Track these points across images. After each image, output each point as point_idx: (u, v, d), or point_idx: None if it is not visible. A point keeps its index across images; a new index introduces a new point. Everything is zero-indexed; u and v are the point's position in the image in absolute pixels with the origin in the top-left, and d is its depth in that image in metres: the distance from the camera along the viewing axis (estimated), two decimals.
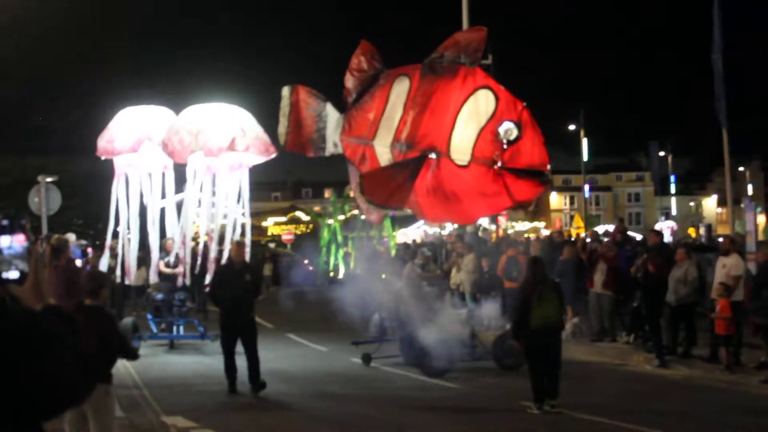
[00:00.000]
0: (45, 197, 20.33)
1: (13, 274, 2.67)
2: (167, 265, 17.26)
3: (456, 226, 25.62)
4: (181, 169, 16.63)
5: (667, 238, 38.84)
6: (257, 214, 59.61)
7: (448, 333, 14.37)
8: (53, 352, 2.48)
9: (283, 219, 58.40)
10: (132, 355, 7.92)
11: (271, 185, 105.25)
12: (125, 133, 16.31)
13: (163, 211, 17.22)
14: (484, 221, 25.79)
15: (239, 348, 12.78)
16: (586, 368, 15.11)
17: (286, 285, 32.37)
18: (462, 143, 10.26)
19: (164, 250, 17.34)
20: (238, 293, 12.48)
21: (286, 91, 11.45)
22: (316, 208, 61.64)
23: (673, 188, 73.88)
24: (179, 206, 17.04)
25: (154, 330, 17.14)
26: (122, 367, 14.87)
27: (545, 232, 55.55)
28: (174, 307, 17.22)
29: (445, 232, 46.25)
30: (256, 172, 17.26)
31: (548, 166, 10.36)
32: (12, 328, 2.45)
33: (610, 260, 17.37)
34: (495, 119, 10.04)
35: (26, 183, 30.34)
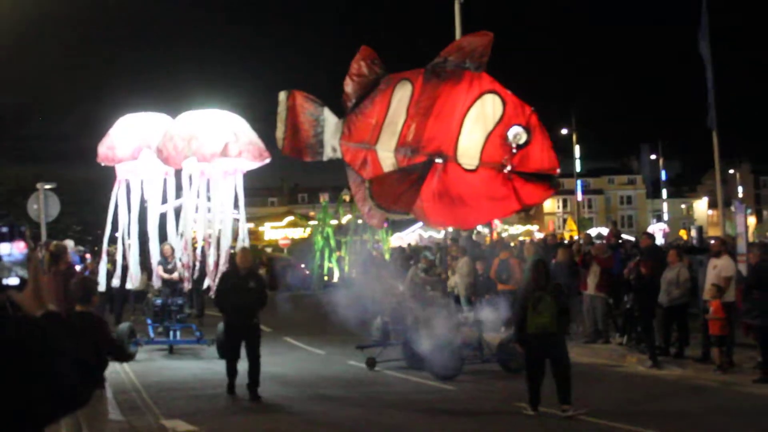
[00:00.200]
0: (44, 204, 20.29)
1: (13, 281, 2.67)
2: (166, 270, 17.24)
3: (451, 229, 25.59)
4: (181, 175, 16.65)
5: (659, 240, 38.93)
6: (254, 219, 59.59)
7: (457, 336, 14.39)
8: (53, 359, 2.47)
9: (280, 224, 58.27)
10: (124, 358, 7.93)
11: (268, 190, 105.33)
12: (125, 140, 16.30)
13: (163, 216, 17.23)
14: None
15: (241, 352, 12.72)
16: (579, 370, 15.09)
17: (281, 289, 32.33)
18: (469, 147, 10.23)
19: (162, 256, 17.33)
20: (243, 299, 12.34)
21: (282, 95, 11.40)
22: (311, 213, 61.59)
23: (664, 193, 74.01)
24: (177, 212, 17.04)
25: (151, 335, 17.10)
26: (122, 371, 14.89)
27: (539, 236, 55.56)
28: (172, 312, 17.18)
29: (440, 236, 46.25)
30: (252, 177, 17.26)
31: (558, 170, 10.35)
32: (13, 335, 2.44)
33: (604, 263, 17.40)
34: (503, 123, 10.02)
35: (24, 191, 30.32)
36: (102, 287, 18.61)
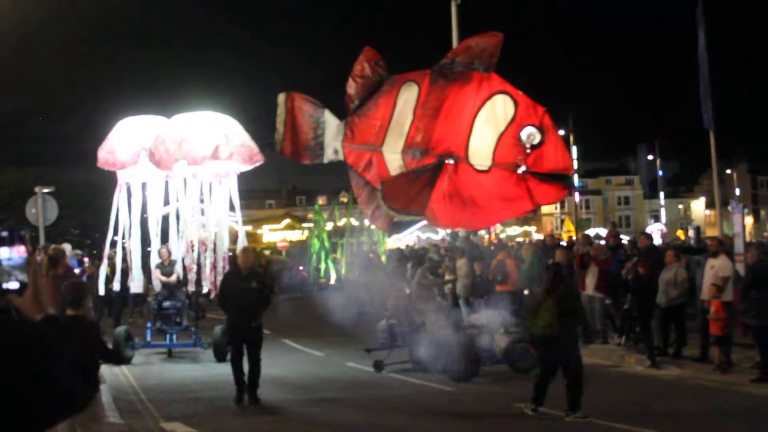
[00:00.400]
0: (42, 208, 20.28)
1: (13, 285, 2.67)
2: (163, 273, 17.24)
3: (449, 230, 25.57)
4: (180, 178, 16.68)
5: (657, 240, 38.91)
6: (252, 222, 59.58)
7: (471, 337, 14.39)
8: (52, 362, 2.48)
9: (278, 226, 58.25)
10: (116, 361, 7.94)
11: (266, 193, 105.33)
12: (126, 145, 16.30)
13: (165, 219, 17.26)
14: None
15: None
16: None
17: (277, 291, 32.31)
18: (481, 148, 10.18)
19: (160, 259, 17.33)
20: (245, 300, 12.24)
21: (281, 97, 11.36)
22: (310, 216, 61.60)
23: (662, 194, 74.04)
24: (177, 216, 17.07)
25: (149, 338, 17.09)
26: (121, 374, 14.89)
27: (537, 236, 55.58)
28: (170, 315, 17.15)
29: (437, 237, 46.25)
30: (250, 179, 17.30)
31: (572, 170, 10.32)
32: (14, 338, 2.45)
33: (602, 263, 17.41)
34: (515, 124, 9.98)
35: (22, 194, 30.31)
36: (101, 290, 18.67)
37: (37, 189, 20.72)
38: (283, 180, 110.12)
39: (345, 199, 51.51)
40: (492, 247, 25.92)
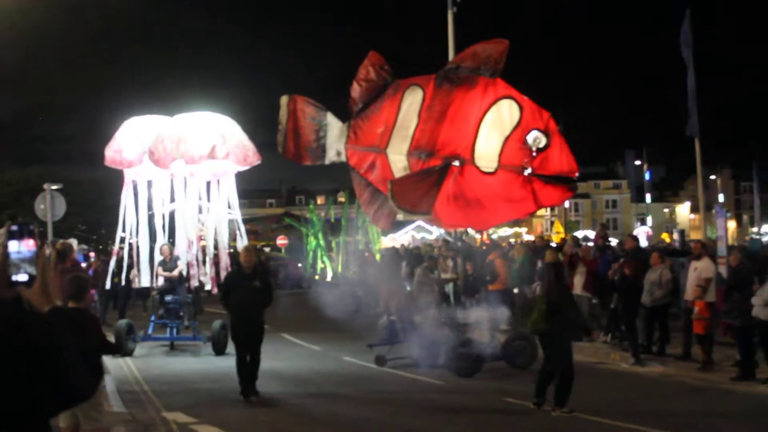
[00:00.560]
0: (50, 204, 20.25)
1: (22, 277, 2.68)
2: (165, 269, 17.22)
3: (443, 230, 25.58)
4: (182, 177, 16.67)
5: (643, 243, 38.94)
6: (253, 220, 59.55)
7: (474, 334, 14.40)
8: (59, 352, 2.49)
9: (278, 225, 58.20)
10: (115, 352, 7.97)
11: (266, 193, 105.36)
12: (132, 144, 16.29)
13: (171, 216, 17.26)
14: None
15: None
16: None
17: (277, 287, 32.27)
18: (487, 151, 10.16)
19: (161, 256, 17.30)
20: (248, 298, 12.15)
21: (284, 100, 11.34)
22: (308, 215, 61.58)
23: (648, 197, 74.05)
24: (173, 214, 17.09)
25: (150, 332, 17.07)
26: (125, 365, 14.91)
27: (528, 238, 55.60)
28: (171, 309, 17.13)
29: (432, 237, 46.24)
30: (251, 179, 17.33)
31: (577, 173, 10.30)
32: (25, 328, 2.45)
33: (590, 264, 17.43)
34: (521, 128, 9.96)
35: (31, 191, 30.27)
36: (108, 285, 18.68)
37: (45, 186, 20.69)
38: (283, 180, 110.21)
39: (342, 199, 51.53)
40: (484, 247, 25.86)
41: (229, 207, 17.18)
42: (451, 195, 10.43)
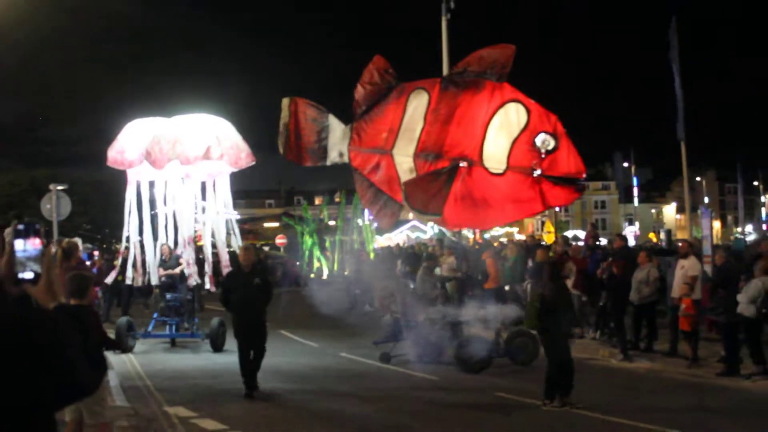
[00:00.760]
0: (56, 204, 20.22)
1: (28, 275, 2.67)
2: (165, 269, 17.17)
3: (437, 230, 25.58)
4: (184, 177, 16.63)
5: (631, 242, 39.02)
6: (253, 220, 59.53)
7: (480, 330, 14.39)
8: (64, 348, 2.47)
9: (276, 224, 58.24)
10: (115, 348, 7.95)
11: (266, 193, 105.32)
12: (133, 145, 16.27)
13: (174, 216, 17.24)
14: None
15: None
16: None
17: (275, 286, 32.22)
18: (496, 152, 10.13)
19: (161, 255, 17.26)
20: (249, 296, 12.06)
21: (285, 102, 11.31)
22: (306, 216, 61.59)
23: (636, 198, 74.23)
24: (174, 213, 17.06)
25: (150, 329, 17.04)
26: (128, 361, 14.89)
27: (519, 237, 55.61)
28: (172, 306, 17.10)
29: (425, 236, 46.26)
30: (251, 180, 17.39)
31: (584, 174, 10.30)
32: (33, 327, 2.44)
33: (579, 263, 17.44)
34: (529, 131, 9.94)
35: (37, 191, 30.24)
36: (109, 281, 18.63)
37: (51, 186, 20.65)
38: (282, 181, 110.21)
39: (339, 199, 51.52)
40: (477, 246, 25.86)
41: (224, 207, 17.15)
42: (459, 195, 10.40)
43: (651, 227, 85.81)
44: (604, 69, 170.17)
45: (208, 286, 16.92)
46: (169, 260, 17.12)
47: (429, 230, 46.86)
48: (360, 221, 39.64)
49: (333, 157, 11.24)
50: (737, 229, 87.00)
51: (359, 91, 10.95)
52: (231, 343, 14.11)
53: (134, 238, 16.99)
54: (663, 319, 16.28)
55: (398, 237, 50.37)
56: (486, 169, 10.23)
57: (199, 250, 17.88)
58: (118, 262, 18.28)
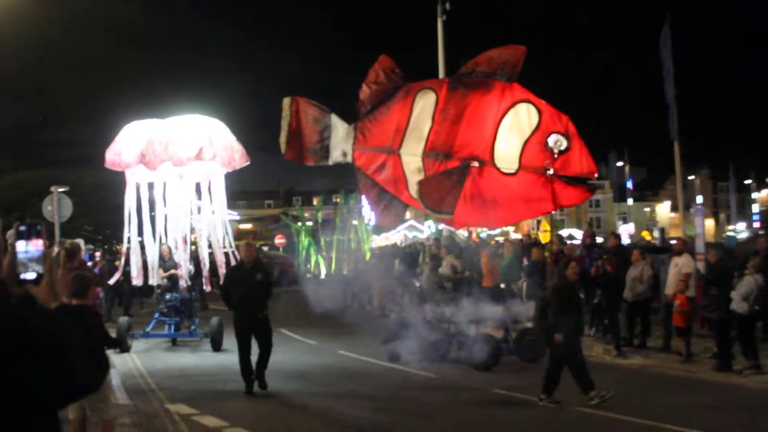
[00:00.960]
0: (57, 206, 20.21)
1: (30, 276, 2.68)
2: (165, 269, 17.17)
3: (434, 229, 25.58)
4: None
5: (625, 240, 39.06)
6: (252, 220, 59.56)
7: (489, 329, 14.39)
8: (66, 347, 2.49)
9: (276, 225, 58.24)
10: (115, 346, 7.97)
11: (264, 194, 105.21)
12: (131, 147, 16.25)
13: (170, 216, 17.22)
14: None
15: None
16: None
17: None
18: (507, 152, 10.12)
19: (160, 255, 17.26)
20: (250, 292, 12.04)
21: (286, 102, 11.28)
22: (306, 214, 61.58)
23: (630, 197, 74.31)
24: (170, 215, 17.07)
25: (149, 329, 17.04)
26: (130, 360, 14.90)
27: (515, 236, 55.64)
28: (172, 306, 17.09)
29: (423, 236, 46.27)
30: (250, 181, 17.37)
31: (596, 174, 10.32)
32: (35, 327, 2.45)
33: (576, 261, 17.43)
34: (540, 131, 9.92)
35: (39, 193, 30.18)
36: (112, 281, 18.62)
37: (52, 188, 20.65)
38: (281, 181, 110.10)
39: (337, 199, 51.47)
40: (472, 245, 25.87)
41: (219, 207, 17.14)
42: (468, 195, 10.38)
43: (645, 226, 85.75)
44: (599, 69, 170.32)
45: (205, 286, 16.92)
46: (169, 260, 17.12)
47: (426, 229, 46.90)
48: (355, 221, 39.63)
49: (336, 156, 11.19)
50: (729, 227, 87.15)
51: (364, 91, 10.90)
52: (230, 342, 14.12)
53: (135, 238, 16.98)
54: (656, 316, 16.32)
55: (396, 236, 50.39)
56: (498, 168, 10.23)
57: (197, 250, 17.87)
58: (121, 262, 18.25)
